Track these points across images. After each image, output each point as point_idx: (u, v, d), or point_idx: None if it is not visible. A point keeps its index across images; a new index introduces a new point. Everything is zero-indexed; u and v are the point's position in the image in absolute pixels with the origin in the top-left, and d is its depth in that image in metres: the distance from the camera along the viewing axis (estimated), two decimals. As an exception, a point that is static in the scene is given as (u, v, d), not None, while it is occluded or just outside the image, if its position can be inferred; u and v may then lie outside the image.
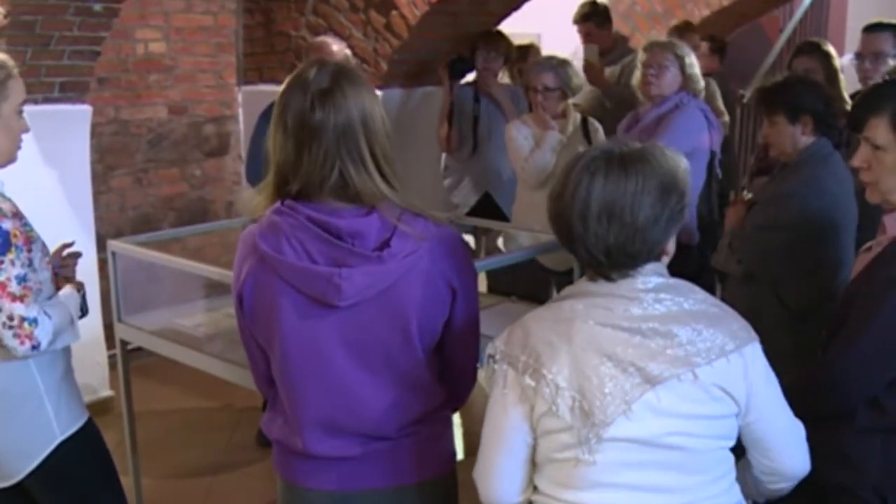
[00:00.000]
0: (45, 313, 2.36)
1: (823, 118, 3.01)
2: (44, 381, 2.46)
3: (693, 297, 1.76)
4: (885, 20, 3.93)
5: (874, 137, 2.10)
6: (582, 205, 1.71)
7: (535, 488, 1.84)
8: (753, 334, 1.77)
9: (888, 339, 2.01)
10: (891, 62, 3.75)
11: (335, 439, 1.95)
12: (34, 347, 2.32)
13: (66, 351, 2.56)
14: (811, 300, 2.76)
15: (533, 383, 1.71)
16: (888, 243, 2.11)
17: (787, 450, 1.86)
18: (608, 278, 1.76)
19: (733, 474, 1.82)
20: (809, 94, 3.05)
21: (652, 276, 1.76)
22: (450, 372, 2.06)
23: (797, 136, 3.02)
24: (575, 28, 5.76)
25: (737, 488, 1.83)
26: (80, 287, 2.63)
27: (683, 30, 5.87)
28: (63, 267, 2.67)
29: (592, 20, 5.67)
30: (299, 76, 1.88)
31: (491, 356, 1.80)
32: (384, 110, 1.92)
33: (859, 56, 3.79)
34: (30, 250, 2.36)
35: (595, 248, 1.72)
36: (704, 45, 6.50)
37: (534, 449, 1.79)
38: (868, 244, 2.25)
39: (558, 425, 1.71)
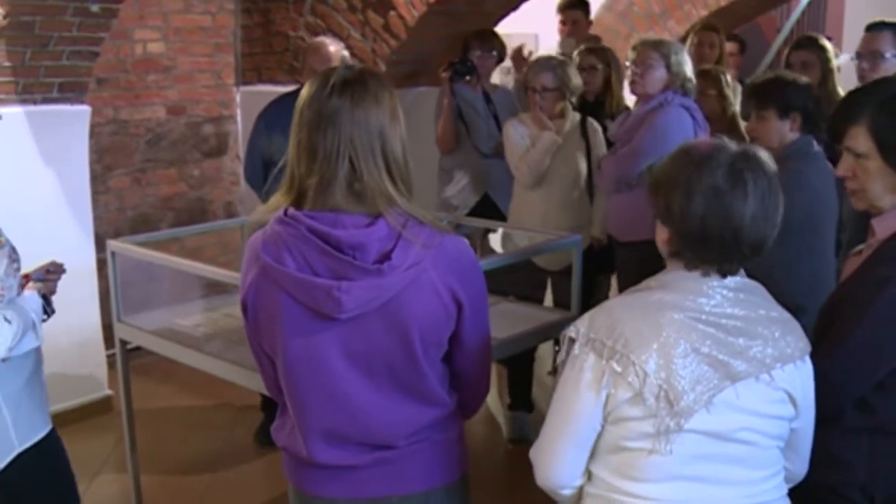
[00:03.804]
0: (5, 319, 2.32)
1: (811, 116, 3.09)
2: (2, 389, 2.41)
3: (768, 302, 1.85)
4: (888, 19, 3.92)
5: (855, 147, 2.11)
6: (742, 205, 1.75)
7: (590, 477, 1.85)
8: (809, 344, 1.87)
9: (877, 338, 2.02)
10: (891, 61, 3.74)
11: (338, 448, 1.95)
12: None
13: (32, 358, 2.50)
14: (789, 294, 2.79)
15: (619, 369, 1.72)
16: (877, 245, 2.13)
17: (806, 454, 1.96)
18: (729, 273, 1.80)
19: (783, 472, 1.90)
20: (800, 92, 3.13)
21: (739, 275, 1.83)
22: (460, 383, 2.04)
23: (785, 132, 3.09)
24: (558, 17, 5.77)
25: (784, 485, 1.91)
26: (42, 289, 2.57)
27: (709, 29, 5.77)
28: (45, 281, 2.61)
29: (580, 8, 5.69)
30: (324, 72, 1.90)
31: (572, 339, 1.81)
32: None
33: (859, 55, 3.80)
34: None
35: (745, 245, 1.77)
36: (732, 46, 6.49)
37: (598, 436, 1.81)
38: (858, 247, 2.25)
39: (639, 413, 1.73)
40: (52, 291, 2.64)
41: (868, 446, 2.08)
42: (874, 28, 3.84)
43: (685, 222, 1.77)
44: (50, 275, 2.64)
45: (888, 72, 3.63)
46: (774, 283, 1.91)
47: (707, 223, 1.75)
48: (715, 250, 1.78)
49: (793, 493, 1.93)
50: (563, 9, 5.73)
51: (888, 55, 3.65)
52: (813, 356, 1.88)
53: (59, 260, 2.71)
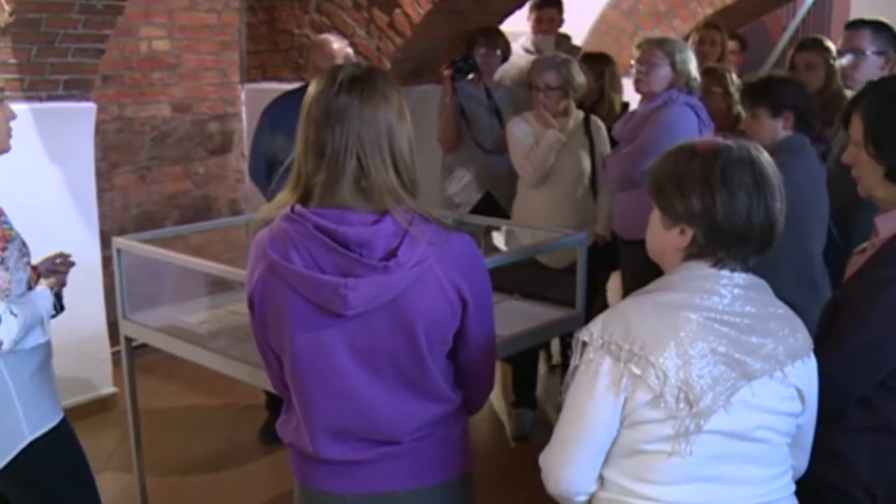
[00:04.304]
0: (11, 312, 2.33)
1: (804, 115, 3.13)
2: (13, 379, 2.42)
3: (774, 299, 1.86)
4: (867, 17, 3.94)
5: (853, 133, 2.16)
6: (772, 198, 1.79)
7: (602, 482, 1.83)
8: (812, 340, 1.88)
9: (880, 338, 2.02)
10: (871, 59, 3.75)
11: (344, 444, 1.95)
12: None
13: (42, 349, 2.52)
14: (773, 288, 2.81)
15: (639, 371, 1.71)
16: (881, 245, 2.13)
17: (808, 450, 1.96)
18: (748, 264, 1.82)
19: (791, 470, 1.90)
20: (792, 91, 3.17)
21: (747, 273, 1.84)
22: (465, 379, 2.05)
23: (777, 130, 3.13)
24: (533, 15, 5.68)
25: (792, 483, 1.91)
26: (54, 285, 2.59)
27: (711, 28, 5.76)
28: (54, 273, 2.64)
29: (555, 6, 5.64)
30: (332, 70, 1.90)
31: (584, 343, 1.79)
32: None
33: (840, 53, 3.81)
34: (4, 248, 2.34)
35: (776, 237, 1.82)
36: (733, 44, 6.50)
37: (612, 440, 1.80)
38: (862, 246, 2.26)
39: (658, 416, 1.72)
40: (63, 283, 2.65)
41: (870, 444, 2.08)
42: (853, 26, 3.86)
43: (728, 220, 1.77)
44: (58, 266, 2.66)
45: (869, 68, 3.66)
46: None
47: (752, 219, 1.77)
48: (753, 245, 1.79)
49: (796, 490, 1.93)
50: (539, 6, 5.65)
51: (868, 52, 3.67)
52: (816, 355, 1.88)
53: (66, 251, 2.73)
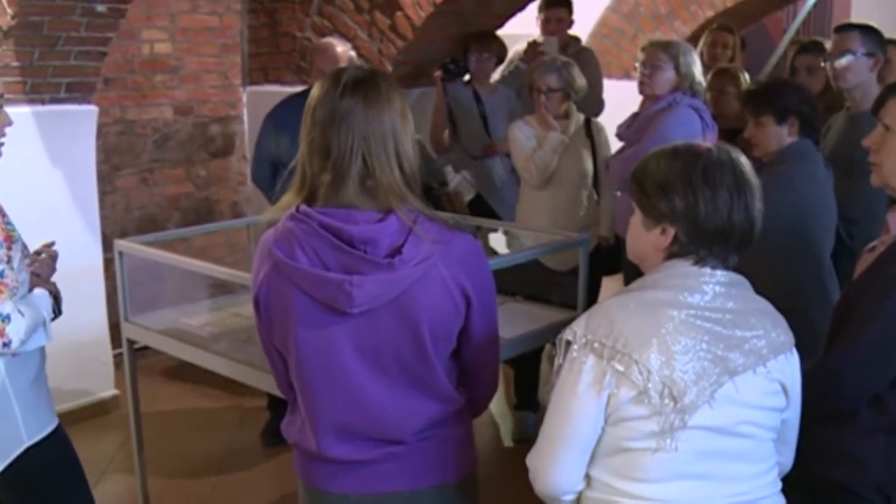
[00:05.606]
0: (19, 311, 2.33)
1: (808, 120, 3.09)
2: (13, 383, 2.42)
3: (754, 294, 1.88)
4: (855, 21, 3.96)
5: (885, 117, 2.15)
6: (752, 198, 1.81)
7: (589, 482, 1.84)
8: (793, 336, 1.89)
9: (890, 336, 2.02)
10: (861, 60, 3.77)
11: (349, 443, 1.96)
12: (5, 345, 2.30)
13: (39, 354, 2.52)
14: (769, 297, 2.81)
15: (622, 368, 1.72)
16: (892, 242, 2.13)
17: (793, 446, 1.96)
18: (728, 263, 1.83)
19: (777, 467, 1.90)
20: (796, 96, 3.14)
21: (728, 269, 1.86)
22: (469, 379, 2.06)
23: (783, 137, 3.09)
24: (542, 15, 5.56)
25: (779, 480, 1.91)
26: (52, 289, 2.59)
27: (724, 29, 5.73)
28: (40, 264, 2.62)
29: (565, 6, 5.57)
30: (335, 73, 1.91)
31: (569, 342, 1.81)
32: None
33: (830, 56, 3.83)
34: (9, 248, 2.34)
35: (755, 235, 1.83)
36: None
37: (597, 439, 1.81)
38: (872, 244, 2.26)
39: (642, 412, 1.73)
40: (57, 290, 2.63)
41: (883, 445, 2.08)
42: (843, 29, 3.89)
43: (710, 219, 1.78)
44: (42, 260, 2.64)
45: (860, 69, 3.68)
46: (753, 285, 1.92)
47: (733, 217, 1.79)
48: (734, 244, 1.81)
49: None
50: (548, 6, 5.55)
51: (858, 54, 3.69)
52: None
53: (48, 240, 2.71)
